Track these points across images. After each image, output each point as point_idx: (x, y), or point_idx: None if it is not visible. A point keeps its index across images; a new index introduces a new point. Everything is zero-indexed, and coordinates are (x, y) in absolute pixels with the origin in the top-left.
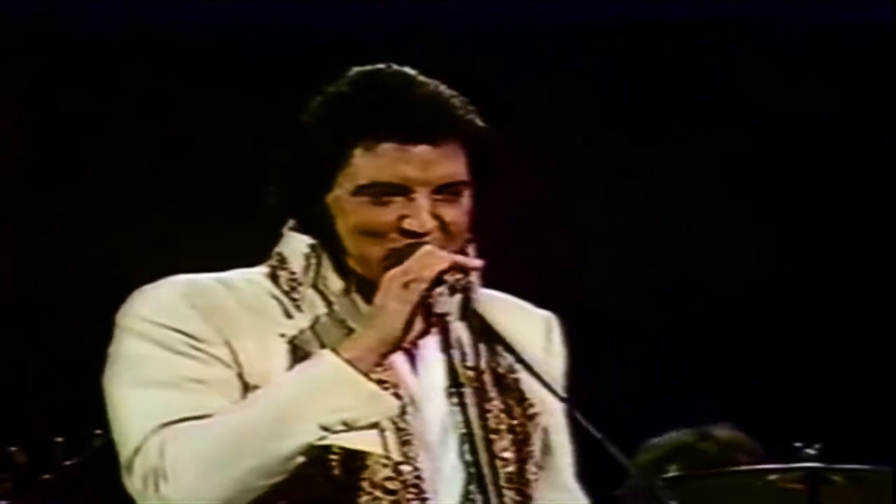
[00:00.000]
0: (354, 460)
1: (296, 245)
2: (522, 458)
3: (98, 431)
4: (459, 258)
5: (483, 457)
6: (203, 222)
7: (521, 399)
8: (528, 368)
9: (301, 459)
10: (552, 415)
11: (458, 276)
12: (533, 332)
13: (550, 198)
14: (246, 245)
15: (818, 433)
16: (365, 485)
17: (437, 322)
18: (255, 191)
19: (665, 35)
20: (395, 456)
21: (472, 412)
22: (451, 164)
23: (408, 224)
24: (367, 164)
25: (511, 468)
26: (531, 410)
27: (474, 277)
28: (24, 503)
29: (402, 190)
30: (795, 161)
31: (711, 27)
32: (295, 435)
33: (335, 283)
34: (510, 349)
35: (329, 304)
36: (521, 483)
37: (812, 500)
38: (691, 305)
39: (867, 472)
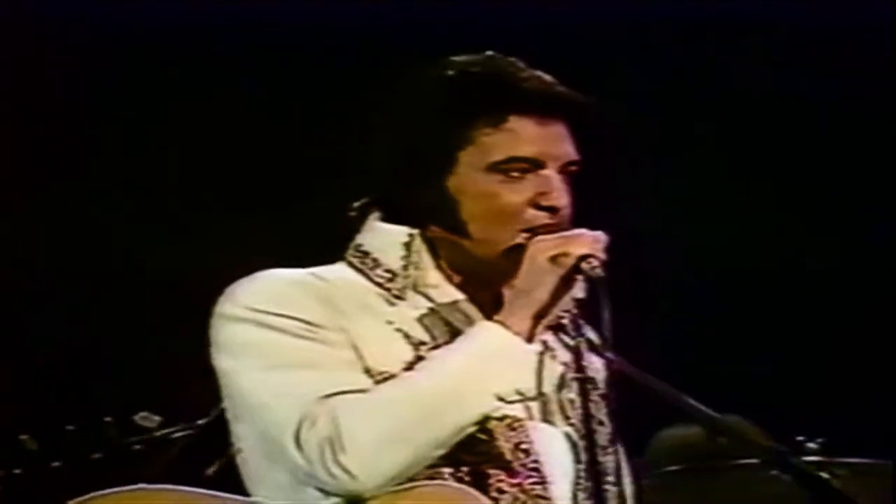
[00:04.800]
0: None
1: (389, 237)
2: (615, 447)
3: (143, 414)
4: (603, 241)
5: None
6: (239, 221)
7: (606, 395)
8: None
9: (472, 430)
10: None
11: (596, 263)
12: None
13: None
14: (280, 245)
15: (822, 427)
16: (490, 466)
17: (574, 305)
18: (288, 189)
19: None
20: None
21: (592, 401)
22: (572, 142)
23: (545, 200)
24: (501, 140)
25: (610, 456)
26: (613, 405)
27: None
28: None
29: (537, 165)
30: (800, 158)
31: (726, 28)
32: (474, 405)
33: (433, 275)
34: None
35: (426, 296)
36: (617, 472)
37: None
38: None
39: (869, 466)
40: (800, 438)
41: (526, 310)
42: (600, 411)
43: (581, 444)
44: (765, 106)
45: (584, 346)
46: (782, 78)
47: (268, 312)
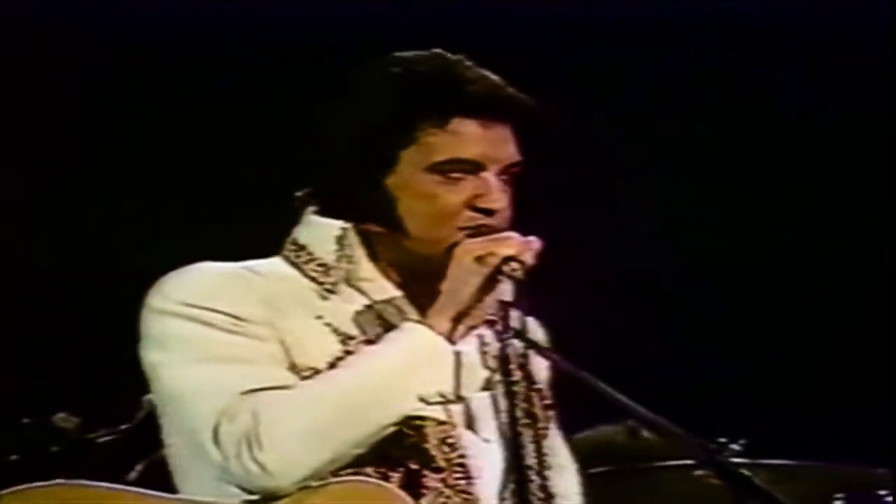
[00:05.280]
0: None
1: (322, 230)
2: (540, 444)
3: (61, 415)
4: (533, 246)
5: (518, 440)
6: (209, 220)
7: (538, 390)
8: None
9: (392, 430)
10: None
11: (517, 265)
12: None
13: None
14: (254, 242)
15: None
16: (415, 462)
17: (500, 307)
18: (288, 189)
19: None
20: (457, 432)
21: (517, 399)
22: (514, 144)
23: (482, 202)
24: (444, 141)
25: (533, 454)
26: (546, 402)
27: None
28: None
29: (478, 167)
30: (799, 159)
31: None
32: (395, 406)
33: (366, 269)
34: (538, 347)
35: (359, 290)
36: (542, 467)
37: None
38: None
39: (793, 468)
40: (722, 440)
41: (449, 310)
42: (533, 409)
43: (507, 442)
44: (765, 106)
45: (515, 349)
46: (782, 78)
47: (196, 306)
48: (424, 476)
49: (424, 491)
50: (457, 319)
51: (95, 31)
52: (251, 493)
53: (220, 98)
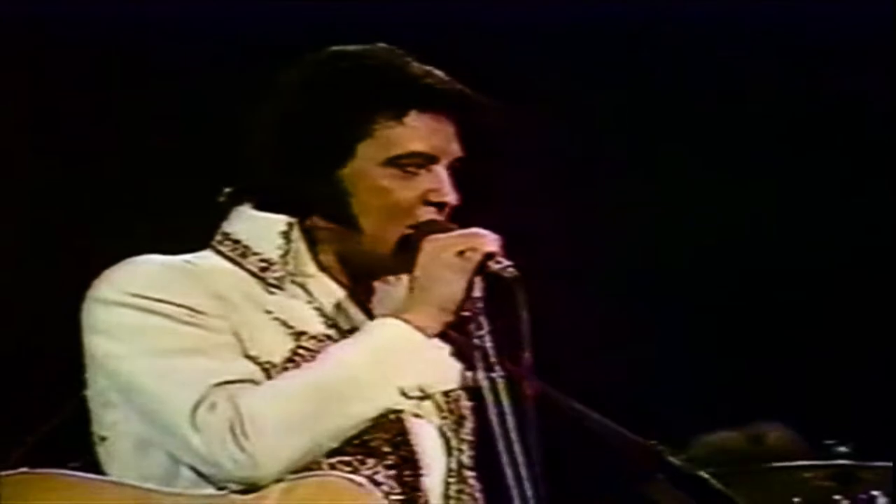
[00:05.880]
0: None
1: (264, 226)
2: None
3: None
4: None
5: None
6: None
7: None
8: None
9: (370, 424)
10: None
11: (506, 262)
12: None
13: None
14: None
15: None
16: (373, 460)
17: (473, 301)
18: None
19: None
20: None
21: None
22: (459, 138)
23: (435, 196)
24: (401, 134)
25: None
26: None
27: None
28: None
29: (431, 161)
30: (799, 159)
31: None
32: (376, 398)
33: (310, 266)
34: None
35: (303, 287)
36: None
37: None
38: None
39: None
40: (829, 442)
41: (427, 305)
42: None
43: (452, 437)
44: (765, 106)
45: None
46: (782, 77)
47: (150, 298)
48: (376, 470)
49: (373, 485)
50: (436, 314)
51: (92, 29)
52: (222, 486)
53: (219, 98)
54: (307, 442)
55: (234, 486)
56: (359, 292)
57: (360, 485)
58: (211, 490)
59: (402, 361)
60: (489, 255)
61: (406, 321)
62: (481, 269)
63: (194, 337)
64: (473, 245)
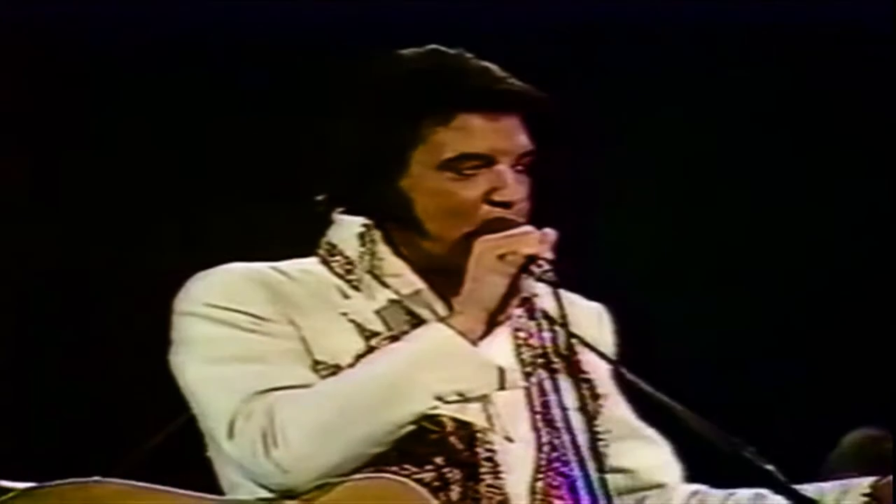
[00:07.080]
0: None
1: (347, 229)
2: (595, 435)
3: None
4: (549, 238)
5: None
6: (245, 213)
7: (587, 380)
8: (609, 360)
9: (410, 428)
10: (612, 395)
11: (546, 266)
12: (587, 322)
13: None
14: (287, 235)
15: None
16: (441, 459)
17: (522, 302)
18: (295, 181)
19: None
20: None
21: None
22: (524, 135)
23: (498, 195)
24: (451, 138)
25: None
26: (598, 391)
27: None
28: None
29: (489, 161)
30: (799, 159)
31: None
32: (409, 403)
33: (391, 264)
34: (584, 341)
35: (385, 285)
36: (596, 458)
37: None
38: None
39: None
40: None
41: (471, 309)
42: (584, 401)
43: (545, 433)
44: (765, 106)
45: (559, 342)
46: (782, 77)
47: (217, 307)
48: (450, 472)
49: (452, 486)
50: (480, 317)
51: (103, 31)
52: (270, 489)
53: (218, 97)
54: (340, 448)
55: (271, 494)
56: (443, 290)
57: (405, 485)
58: (265, 494)
59: (439, 366)
60: (531, 258)
61: (449, 325)
62: (525, 270)
63: (253, 343)
64: (514, 247)
